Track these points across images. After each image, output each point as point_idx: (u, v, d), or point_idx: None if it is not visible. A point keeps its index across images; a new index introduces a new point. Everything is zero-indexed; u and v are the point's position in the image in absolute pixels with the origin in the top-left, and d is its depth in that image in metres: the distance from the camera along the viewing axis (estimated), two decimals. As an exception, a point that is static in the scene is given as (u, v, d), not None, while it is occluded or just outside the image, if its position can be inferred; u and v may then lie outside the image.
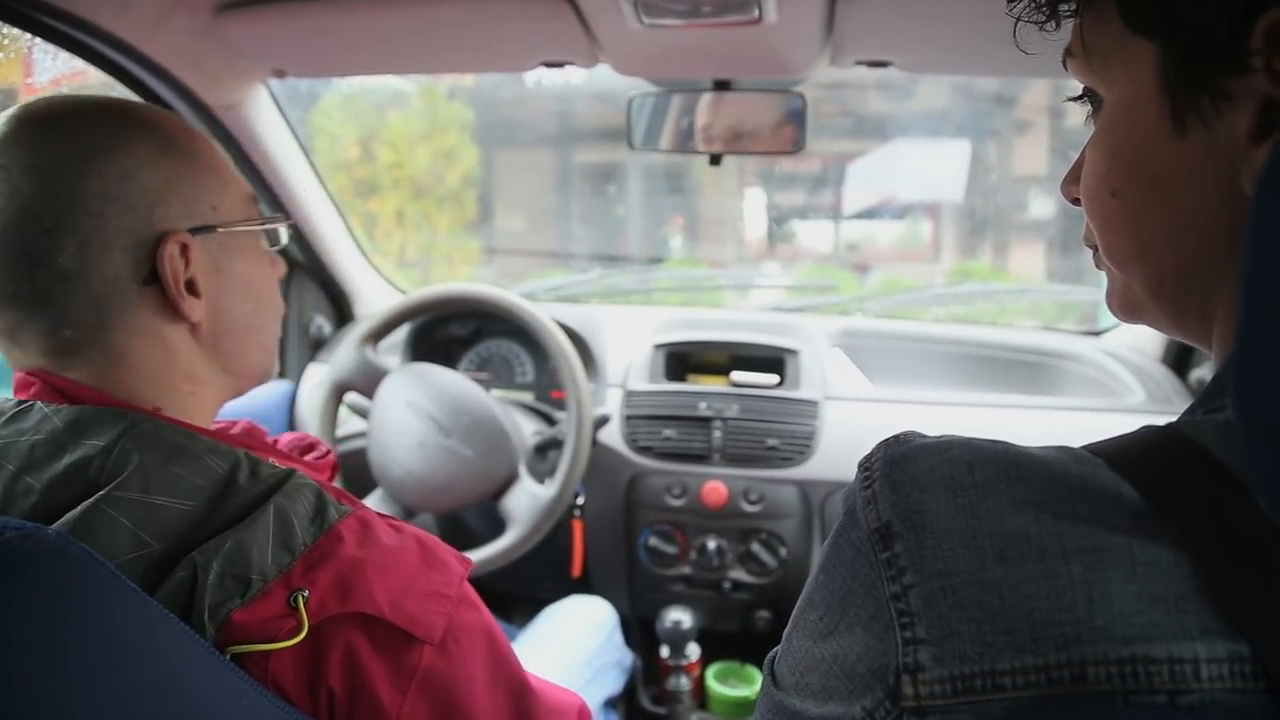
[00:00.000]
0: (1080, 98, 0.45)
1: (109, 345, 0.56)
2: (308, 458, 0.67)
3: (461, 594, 0.55)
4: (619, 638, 1.37)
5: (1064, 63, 0.43)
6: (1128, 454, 0.34)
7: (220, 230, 0.60)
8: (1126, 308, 0.44)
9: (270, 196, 1.45)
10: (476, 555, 1.25)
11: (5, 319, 0.55)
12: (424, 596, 0.52)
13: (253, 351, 0.64)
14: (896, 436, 0.37)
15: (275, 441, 0.68)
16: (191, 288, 0.58)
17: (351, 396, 1.40)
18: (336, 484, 0.64)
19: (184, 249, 0.56)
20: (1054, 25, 0.43)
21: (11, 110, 0.56)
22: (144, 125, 0.57)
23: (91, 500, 0.48)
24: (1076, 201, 0.45)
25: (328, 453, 0.69)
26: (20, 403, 0.54)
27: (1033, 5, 0.43)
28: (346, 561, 0.51)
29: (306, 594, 0.49)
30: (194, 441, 0.53)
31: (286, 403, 1.61)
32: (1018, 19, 0.44)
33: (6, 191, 0.53)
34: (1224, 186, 0.35)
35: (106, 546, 0.47)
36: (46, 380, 0.56)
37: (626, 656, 1.38)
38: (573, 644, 1.26)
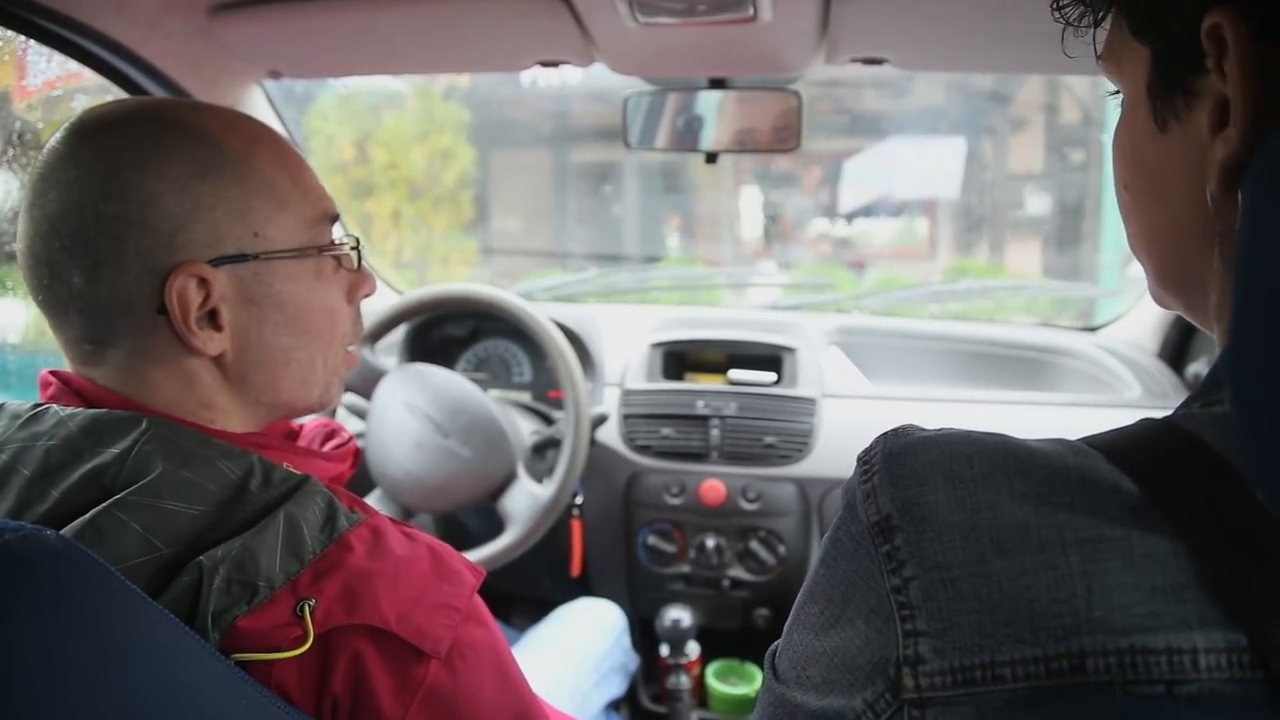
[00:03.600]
0: (1116, 93, 0.46)
1: (127, 365, 0.55)
2: (328, 445, 0.66)
3: (471, 609, 0.54)
4: (627, 641, 1.37)
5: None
6: (1125, 446, 0.34)
7: (261, 258, 0.56)
8: (1154, 295, 0.46)
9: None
10: (475, 555, 1.25)
11: (46, 320, 0.56)
12: (433, 609, 0.52)
13: (288, 384, 0.60)
14: (895, 430, 0.38)
15: (300, 428, 0.67)
16: (214, 318, 0.55)
17: (349, 397, 1.40)
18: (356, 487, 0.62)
19: (201, 281, 0.53)
20: (1089, 22, 0.44)
21: (72, 118, 0.54)
22: (190, 141, 0.54)
23: (103, 504, 0.48)
24: None
25: (349, 440, 0.67)
26: (36, 405, 0.54)
27: (1062, 17, 0.44)
28: (355, 572, 0.50)
29: (313, 603, 0.48)
30: (207, 447, 0.52)
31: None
32: (1066, 23, 0.45)
33: (41, 203, 0.52)
34: (1198, 181, 0.37)
35: (116, 549, 0.47)
36: (64, 380, 0.55)
37: (632, 660, 1.38)
38: (581, 647, 1.26)
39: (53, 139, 0.54)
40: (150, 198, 0.52)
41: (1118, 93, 0.45)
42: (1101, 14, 0.43)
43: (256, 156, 0.56)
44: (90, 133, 0.53)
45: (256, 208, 0.56)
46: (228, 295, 0.55)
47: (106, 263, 0.52)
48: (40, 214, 0.53)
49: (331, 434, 0.68)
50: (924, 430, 0.37)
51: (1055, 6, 0.44)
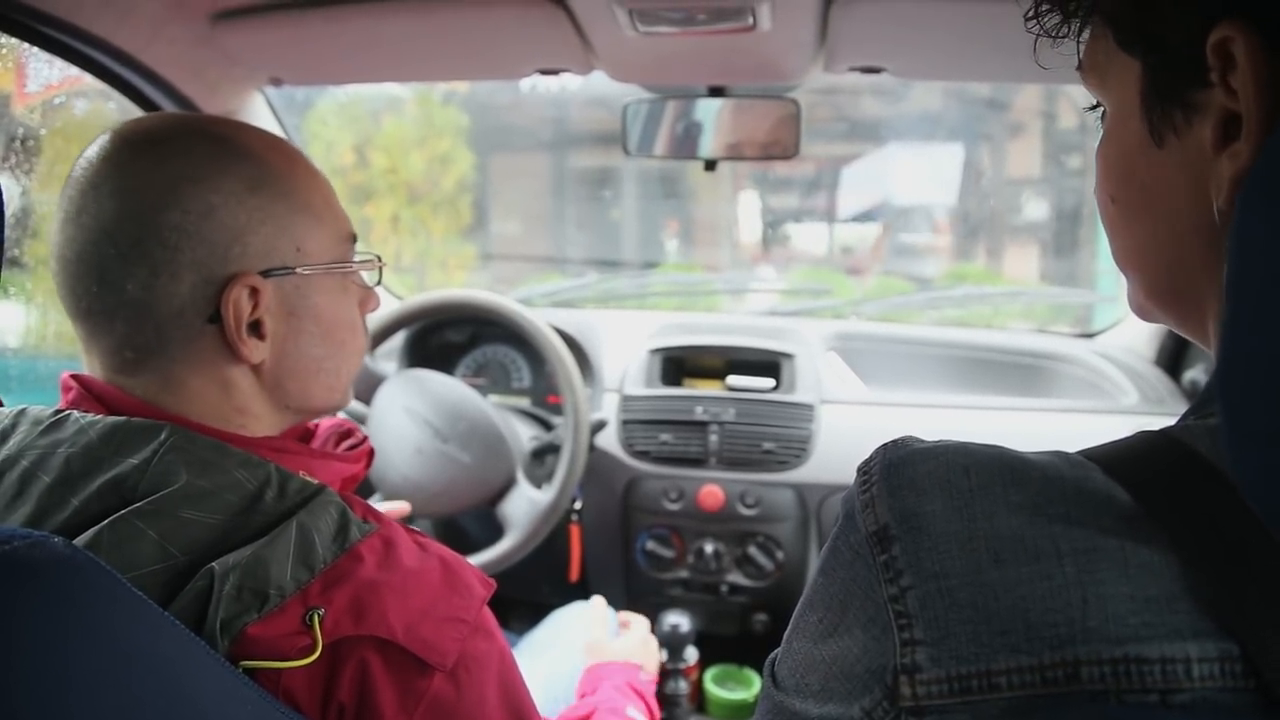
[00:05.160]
0: (1095, 106, 0.46)
1: (167, 373, 0.56)
2: (343, 446, 0.67)
3: (479, 621, 0.55)
4: None
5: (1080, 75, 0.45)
6: (1121, 458, 0.35)
7: (300, 272, 0.58)
8: (1137, 308, 0.46)
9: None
10: (474, 560, 1.25)
11: (79, 329, 0.57)
12: (441, 621, 0.52)
13: (317, 391, 0.62)
14: (895, 441, 0.38)
15: (315, 428, 0.68)
16: (257, 329, 0.57)
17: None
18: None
19: (253, 291, 0.55)
20: (1065, 38, 0.44)
21: (117, 127, 0.56)
22: (240, 156, 0.56)
23: (121, 512, 0.49)
24: None
25: (364, 440, 0.68)
26: (57, 412, 0.54)
27: (1040, 27, 0.44)
28: (364, 583, 0.51)
29: (322, 613, 0.49)
30: (225, 456, 0.53)
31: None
32: (1038, 34, 0.45)
33: (93, 210, 0.53)
34: (1199, 196, 0.37)
35: (132, 556, 0.47)
36: (86, 385, 0.56)
37: None
38: (577, 650, 1.26)
39: (94, 149, 0.55)
40: (208, 209, 0.54)
41: (1097, 105, 0.45)
42: (1081, 25, 0.43)
43: (295, 175, 0.59)
44: (143, 145, 0.55)
45: (298, 223, 0.58)
46: (272, 306, 0.57)
47: (163, 271, 0.53)
48: (92, 221, 0.53)
49: (346, 433, 0.69)
50: (923, 441, 0.37)
51: (1031, 15, 0.44)
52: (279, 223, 0.57)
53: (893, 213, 4.78)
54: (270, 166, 0.57)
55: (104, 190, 0.53)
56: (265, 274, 0.56)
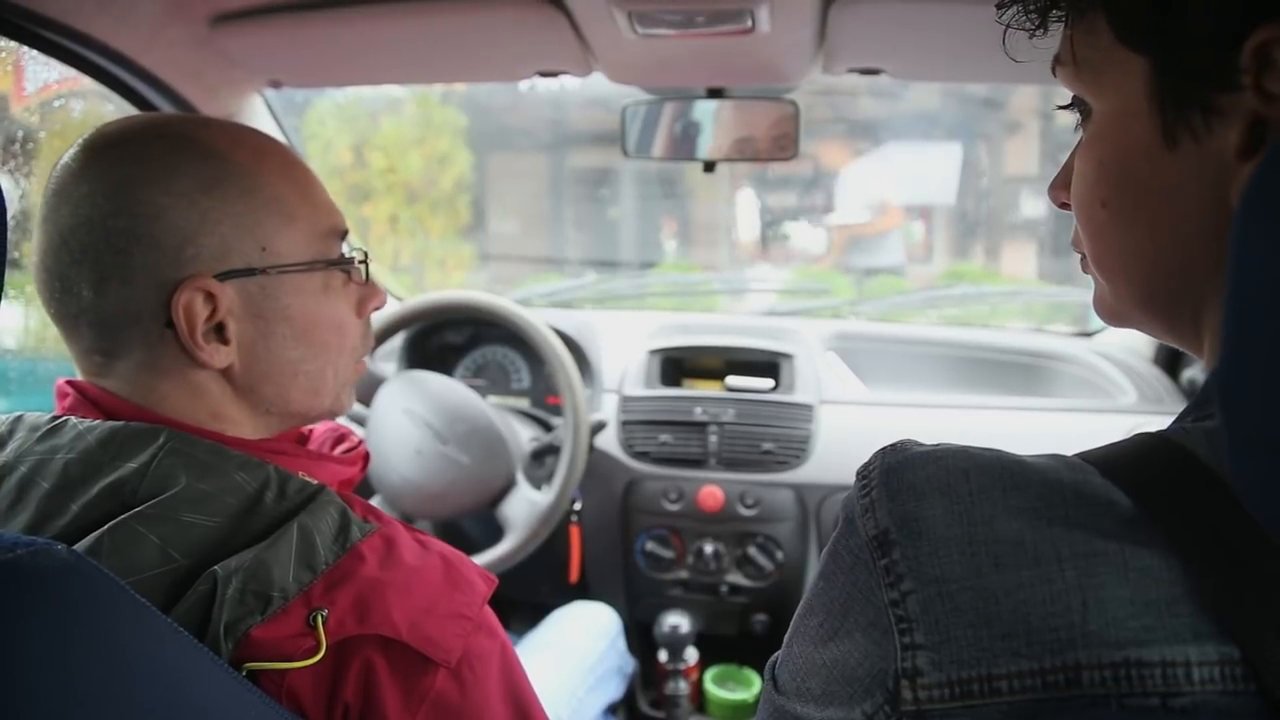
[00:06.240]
0: (1070, 105, 0.45)
1: (135, 376, 0.55)
2: (339, 449, 0.66)
3: (481, 618, 0.55)
4: (622, 644, 1.38)
5: (1054, 70, 0.43)
6: (1119, 461, 0.35)
7: (268, 272, 0.56)
8: (1113, 314, 0.44)
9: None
10: (474, 562, 1.25)
11: (59, 331, 0.57)
12: (444, 618, 0.52)
13: (298, 396, 0.60)
14: (894, 445, 0.38)
15: (310, 432, 0.67)
16: (221, 332, 0.55)
17: (348, 404, 1.40)
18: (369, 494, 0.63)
19: (208, 295, 0.54)
20: (1043, 32, 0.43)
21: (85, 135, 0.55)
22: (197, 155, 0.54)
23: (121, 517, 0.48)
24: (1065, 206, 0.45)
25: (359, 443, 0.67)
26: (54, 417, 0.54)
27: (1022, 13, 0.43)
28: (367, 582, 0.51)
29: (325, 613, 0.49)
30: (224, 459, 0.53)
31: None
32: (1007, 26, 0.44)
33: (54, 217, 0.53)
34: (1214, 200, 0.36)
35: (134, 561, 0.47)
36: (81, 391, 0.56)
37: (629, 663, 1.39)
38: (576, 650, 1.26)
39: (65, 155, 0.55)
40: (158, 212, 0.53)
41: (1070, 105, 0.44)
42: (1071, 18, 0.41)
43: (264, 171, 0.57)
44: (101, 149, 0.54)
45: (264, 221, 0.56)
46: (235, 309, 0.55)
47: (114, 276, 0.53)
48: (53, 228, 0.54)
49: (341, 438, 0.68)
50: (922, 445, 0.37)
51: (1012, 1, 0.42)
52: (238, 222, 0.55)
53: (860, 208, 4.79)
54: (232, 164, 0.55)
55: (63, 196, 0.53)
56: (224, 276, 0.54)
